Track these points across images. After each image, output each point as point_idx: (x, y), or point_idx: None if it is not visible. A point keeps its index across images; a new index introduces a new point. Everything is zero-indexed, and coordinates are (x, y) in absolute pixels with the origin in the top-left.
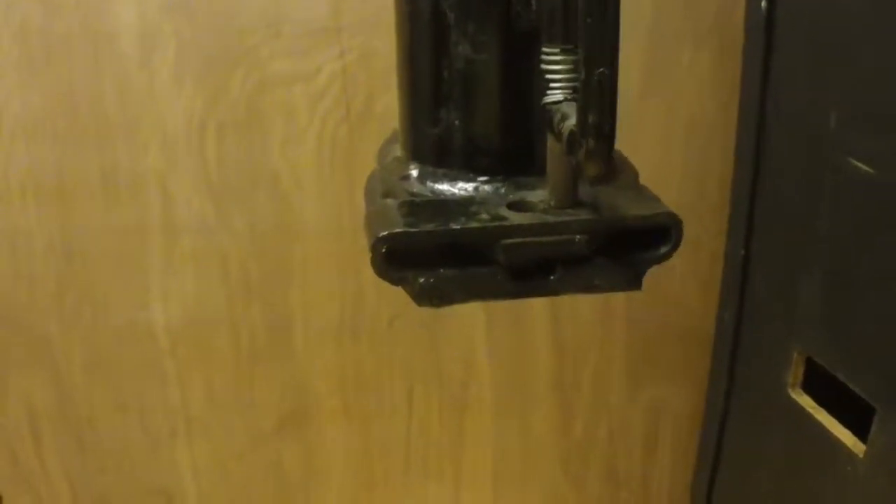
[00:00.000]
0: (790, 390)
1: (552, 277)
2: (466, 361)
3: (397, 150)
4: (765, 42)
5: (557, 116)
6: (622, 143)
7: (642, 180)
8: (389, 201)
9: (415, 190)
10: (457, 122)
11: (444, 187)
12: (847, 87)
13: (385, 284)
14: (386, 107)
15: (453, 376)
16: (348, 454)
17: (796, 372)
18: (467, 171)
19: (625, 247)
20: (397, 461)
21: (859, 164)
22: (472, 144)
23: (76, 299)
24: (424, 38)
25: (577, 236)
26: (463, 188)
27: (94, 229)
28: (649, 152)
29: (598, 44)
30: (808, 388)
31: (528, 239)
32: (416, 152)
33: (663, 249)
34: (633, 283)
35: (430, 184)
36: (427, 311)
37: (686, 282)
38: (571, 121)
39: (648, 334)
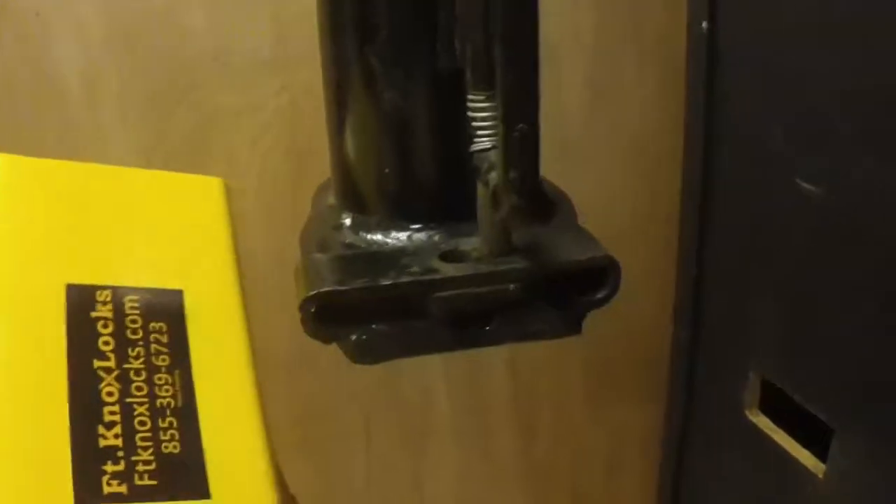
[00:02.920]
0: (748, 411)
1: (489, 328)
2: (424, 388)
3: (331, 197)
4: (707, 62)
5: (485, 165)
6: (570, 164)
7: (591, 200)
8: (318, 256)
9: (348, 240)
10: (387, 170)
11: (377, 237)
12: (791, 106)
13: None
14: None
15: (412, 403)
16: (308, 484)
17: (753, 393)
18: (400, 219)
19: (564, 290)
20: (358, 489)
21: (805, 184)
22: (404, 192)
23: None
24: (350, 86)
25: (511, 285)
26: (396, 237)
27: None
28: (597, 173)
29: (516, 99)
30: (767, 408)
31: (460, 291)
32: (349, 200)
33: (601, 294)
34: (573, 328)
35: (363, 233)
36: None
37: (642, 302)
38: (497, 172)
39: (606, 355)
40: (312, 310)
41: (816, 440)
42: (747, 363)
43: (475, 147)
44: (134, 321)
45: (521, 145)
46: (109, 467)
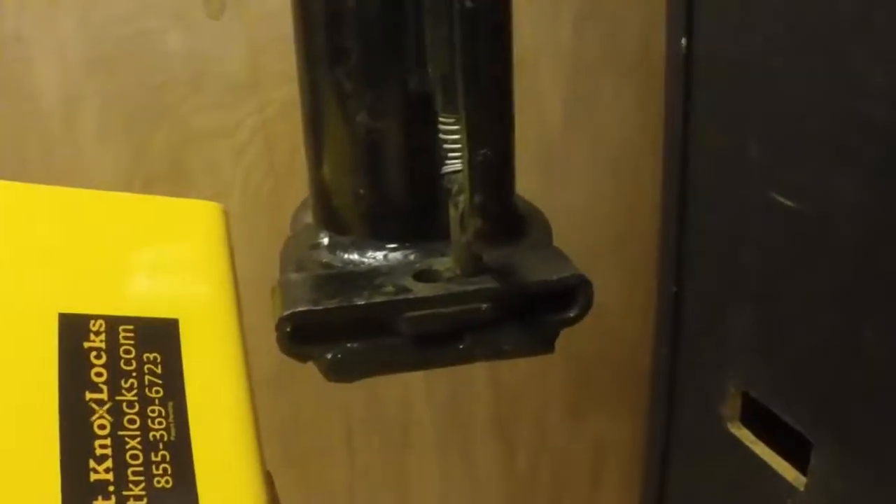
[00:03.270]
0: (728, 424)
1: (461, 346)
2: (405, 402)
3: (309, 217)
4: (685, 77)
5: (455, 187)
6: (550, 179)
7: (571, 215)
8: (294, 276)
9: (324, 260)
10: (361, 191)
11: (353, 257)
12: (766, 121)
13: None
14: None
15: (393, 419)
16: (290, 499)
17: (733, 406)
18: (376, 238)
19: (536, 309)
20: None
21: (781, 198)
22: (378, 212)
23: None
24: (324, 108)
25: (483, 305)
26: (372, 256)
27: None
28: (577, 187)
29: (479, 124)
30: (748, 420)
31: (432, 311)
32: (325, 220)
33: (572, 313)
34: (545, 346)
35: (339, 253)
36: None
37: (622, 315)
38: (463, 196)
39: (586, 368)
40: (287, 329)
41: (797, 453)
42: (727, 376)
43: (446, 169)
44: (128, 352)
45: (484, 171)
46: (100, 502)
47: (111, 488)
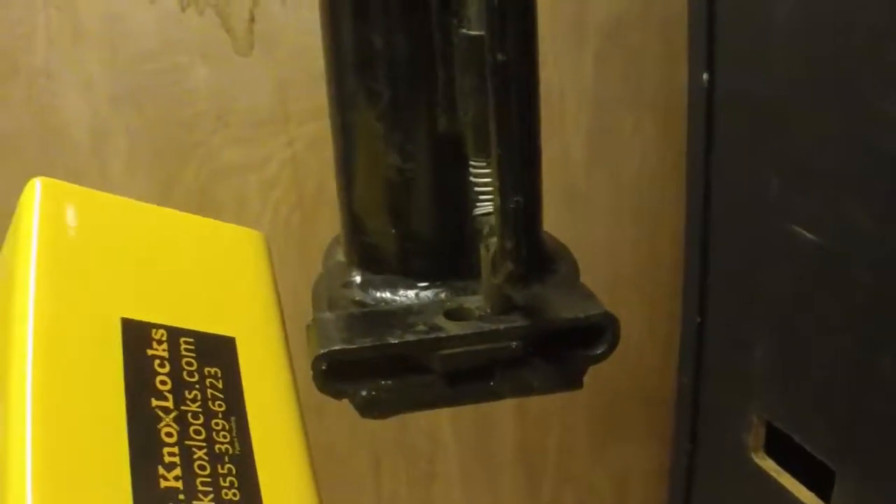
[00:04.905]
0: (752, 454)
1: (491, 383)
2: (431, 434)
3: (340, 255)
4: (706, 112)
5: (486, 229)
6: (572, 211)
7: (595, 247)
8: (327, 315)
9: (357, 298)
10: (392, 231)
11: (385, 295)
12: (787, 154)
13: None
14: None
15: (420, 448)
16: None
17: (756, 435)
18: (407, 277)
19: (564, 345)
20: None
21: (802, 231)
22: (409, 251)
23: None
24: (356, 148)
25: (514, 343)
26: (404, 295)
27: None
28: (601, 220)
29: (511, 172)
30: (771, 450)
31: (464, 349)
32: (357, 259)
33: (600, 350)
34: (573, 382)
35: (371, 291)
36: None
37: (645, 344)
38: (494, 237)
39: (610, 398)
40: (323, 367)
41: (820, 482)
42: (750, 406)
43: (477, 211)
44: (189, 363)
45: (515, 217)
46: None
47: (181, 497)
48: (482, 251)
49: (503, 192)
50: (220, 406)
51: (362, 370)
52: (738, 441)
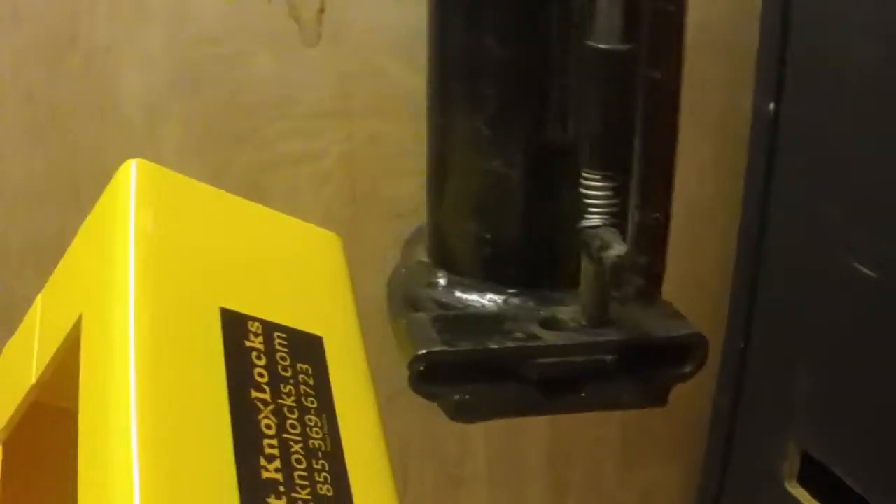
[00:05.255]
0: (786, 482)
1: (582, 394)
2: (462, 438)
3: (422, 253)
4: (769, 141)
5: (597, 242)
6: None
7: None
8: (422, 315)
9: (443, 300)
10: (487, 235)
11: (472, 298)
12: (852, 190)
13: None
14: (392, 192)
15: (449, 453)
16: None
17: (792, 464)
18: (495, 282)
19: (649, 363)
20: None
21: (862, 268)
22: (502, 257)
23: None
24: (458, 151)
25: (608, 356)
26: (492, 300)
27: None
28: None
29: (654, 189)
30: (804, 479)
31: (561, 359)
32: (443, 260)
33: (688, 368)
34: (659, 399)
35: (458, 294)
36: None
37: None
38: (614, 251)
39: (644, 415)
40: (421, 368)
41: None
42: (788, 435)
43: (585, 223)
44: (283, 358)
45: (654, 233)
46: (272, 500)
47: (281, 488)
48: (585, 263)
49: (643, 207)
50: (312, 403)
51: (456, 374)
52: (771, 468)
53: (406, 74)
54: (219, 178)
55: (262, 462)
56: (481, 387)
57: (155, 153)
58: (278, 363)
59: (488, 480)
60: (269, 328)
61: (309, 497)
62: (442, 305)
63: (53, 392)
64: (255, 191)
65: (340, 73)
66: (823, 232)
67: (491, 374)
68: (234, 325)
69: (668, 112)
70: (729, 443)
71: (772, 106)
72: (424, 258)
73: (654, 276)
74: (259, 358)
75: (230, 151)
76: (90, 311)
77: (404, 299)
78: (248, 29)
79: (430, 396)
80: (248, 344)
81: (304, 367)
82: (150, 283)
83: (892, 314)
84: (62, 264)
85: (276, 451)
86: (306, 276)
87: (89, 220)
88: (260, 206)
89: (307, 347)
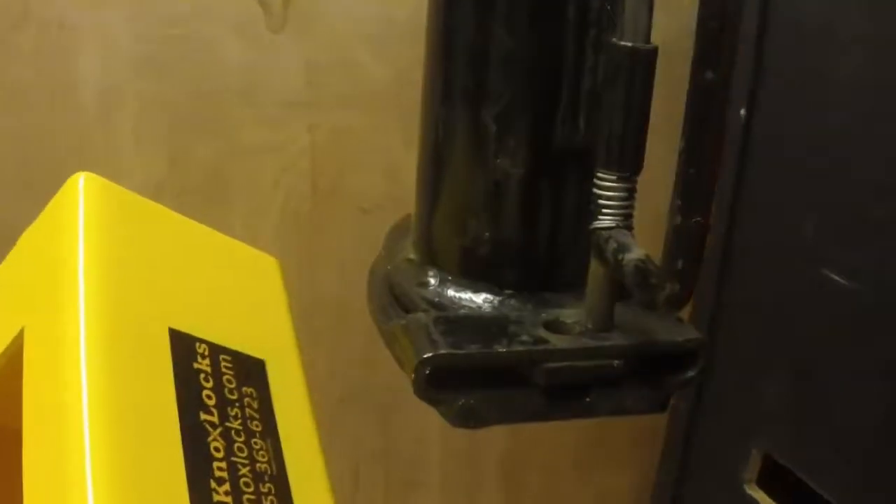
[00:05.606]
0: (746, 486)
1: (587, 399)
2: (417, 440)
3: (408, 250)
4: (741, 149)
5: (612, 245)
6: None
7: None
8: (421, 316)
9: (435, 300)
10: (486, 234)
11: (466, 297)
12: (826, 201)
13: (337, 365)
14: (354, 186)
15: (402, 456)
16: None
17: (753, 467)
18: (490, 282)
19: (654, 368)
20: None
21: (835, 276)
22: (501, 258)
23: None
24: (459, 146)
25: (616, 361)
26: (488, 300)
27: None
28: None
29: (696, 194)
30: (765, 482)
31: (569, 363)
32: (436, 258)
33: (690, 374)
34: (662, 405)
35: (451, 293)
36: (381, 394)
37: None
38: (633, 254)
39: (601, 420)
40: (427, 372)
41: None
42: (751, 439)
43: (598, 225)
44: (229, 381)
45: (692, 238)
46: None
47: None
48: (595, 265)
49: (684, 210)
50: (257, 426)
51: (461, 378)
52: (730, 471)
53: (375, 66)
54: (176, 166)
55: (213, 485)
56: (486, 392)
57: (109, 137)
58: (225, 386)
59: (442, 485)
60: (215, 350)
61: None
62: (434, 305)
63: None
64: (215, 181)
65: (306, 61)
66: (792, 238)
67: (497, 378)
68: (182, 346)
69: (716, 114)
70: (687, 447)
71: (742, 112)
72: (412, 255)
73: (688, 282)
74: (207, 380)
75: (190, 139)
76: (35, 324)
77: (391, 298)
78: (213, 11)
79: (433, 402)
80: (195, 366)
81: (249, 390)
82: (100, 299)
83: (859, 320)
84: (0, 272)
85: (225, 475)
86: (248, 300)
87: (33, 231)
88: (204, 227)
89: (251, 370)
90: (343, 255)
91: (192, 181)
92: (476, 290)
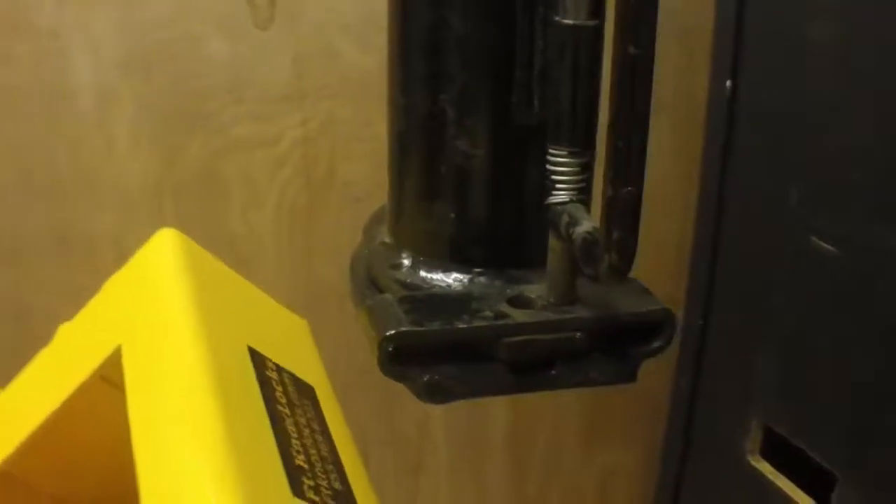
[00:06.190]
0: (749, 457)
1: (552, 372)
2: (420, 422)
3: (385, 234)
4: (727, 120)
5: (565, 219)
6: None
7: None
8: (388, 297)
9: (408, 280)
10: (452, 215)
11: (437, 277)
12: (809, 166)
13: (341, 351)
14: (347, 176)
15: (408, 438)
16: None
17: (755, 439)
18: (460, 262)
19: (619, 340)
20: None
21: (821, 243)
22: (467, 237)
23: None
24: (421, 132)
25: (578, 333)
26: (458, 279)
27: (47, 289)
28: None
29: (626, 165)
30: (768, 454)
31: (530, 337)
32: (407, 241)
33: (656, 344)
34: (629, 376)
35: (422, 274)
36: (381, 376)
37: None
38: (583, 227)
39: (603, 395)
40: (390, 349)
41: (818, 486)
42: (749, 411)
43: (552, 200)
44: (292, 391)
45: (626, 207)
46: (305, 480)
47: (308, 474)
48: (553, 240)
49: (615, 181)
50: (315, 426)
51: (424, 354)
52: (733, 444)
53: (359, 56)
54: (172, 163)
55: (293, 453)
56: (451, 367)
57: (105, 139)
58: (289, 393)
59: (449, 465)
60: (279, 369)
61: (325, 483)
62: (406, 286)
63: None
64: (211, 178)
65: (294, 55)
66: (783, 211)
67: (460, 353)
68: (258, 359)
69: (642, 87)
70: (689, 421)
71: (728, 84)
72: (387, 239)
73: (627, 252)
74: (277, 385)
75: (184, 136)
76: (135, 344)
77: (368, 281)
78: (199, 10)
79: (399, 378)
80: (268, 374)
81: (306, 402)
82: (196, 322)
83: (852, 289)
84: (97, 300)
85: (300, 448)
86: (292, 342)
87: (125, 273)
88: (251, 284)
89: (305, 389)
90: (340, 244)
91: (189, 179)
92: (446, 270)
